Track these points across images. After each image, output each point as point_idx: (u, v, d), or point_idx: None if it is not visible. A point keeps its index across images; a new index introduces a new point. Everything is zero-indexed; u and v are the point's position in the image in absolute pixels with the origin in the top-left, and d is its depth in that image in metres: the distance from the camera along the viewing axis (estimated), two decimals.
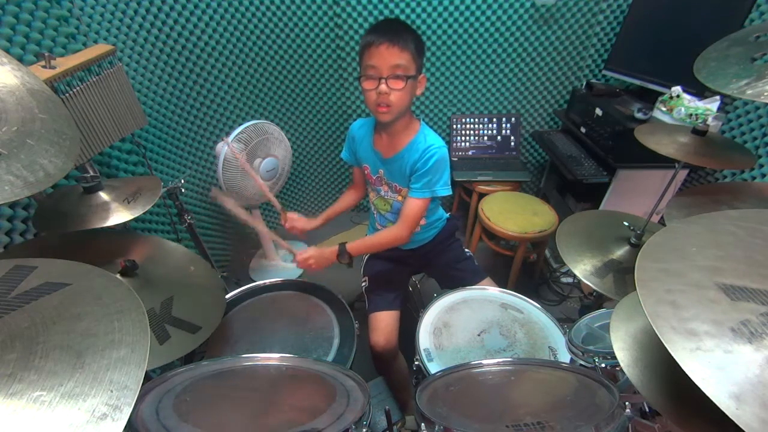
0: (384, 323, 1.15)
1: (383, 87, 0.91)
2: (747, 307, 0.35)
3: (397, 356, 1.19)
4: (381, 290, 1.22)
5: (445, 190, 1.04)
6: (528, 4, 1.83)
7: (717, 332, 0.33)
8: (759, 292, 0.36)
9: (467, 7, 1.84)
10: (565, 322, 0.96)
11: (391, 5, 1.83)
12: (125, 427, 0.31)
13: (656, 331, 0.35)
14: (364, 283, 1.27)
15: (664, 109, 1.51)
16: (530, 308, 1.04)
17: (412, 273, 1.40)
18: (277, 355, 0.58)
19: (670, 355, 0.33)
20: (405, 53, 0.90)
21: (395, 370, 1.19)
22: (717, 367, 0.31)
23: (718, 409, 0.29)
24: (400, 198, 1.13)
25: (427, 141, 1.02)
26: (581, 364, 0.79)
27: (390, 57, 0.89)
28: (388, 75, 0.90)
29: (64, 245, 0.86)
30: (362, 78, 0.94)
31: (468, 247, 1.34)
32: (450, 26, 1.89)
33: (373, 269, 1.28)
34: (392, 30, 0.90)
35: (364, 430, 0.70)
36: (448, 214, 1.31)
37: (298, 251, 1.09)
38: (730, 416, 0.29)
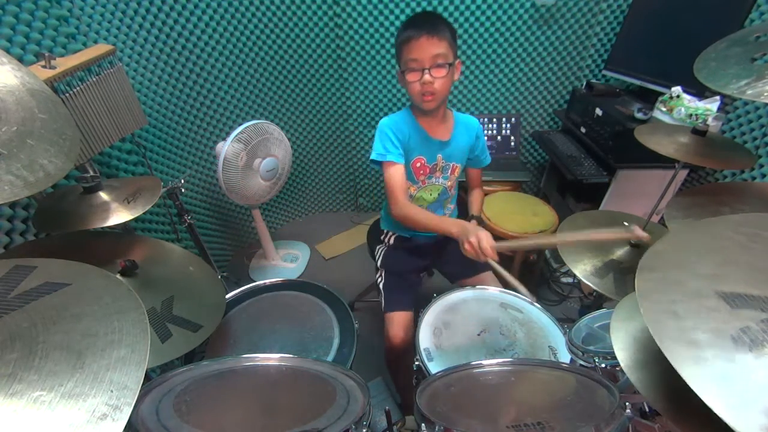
0: (401, 319, 1.15)
1: (427, 77, 0.95)
2: (747, 314, 0.35)
3: (410, 353, 1.19)
4: (397, 289, 1.23)
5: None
6: (528, 4, 1.83)
7: (718, 341, 0.33)
8: (759, 299, 0.36)
9: (467, 7, 1.84)
10: (565, 322, 0.96)
11: (391, 5, 1.84)
12: (125, 427, 0.31)
13: (658, 344, 0.35)
14: (379, 279, 1.27)
15: (664, 109, 1.51)
16: (530, 308, 1.04)
17: (424, 269, 1.40)
18: (277, 355, 0.58)
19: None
20: (443, 42, 0.94)
21: (406, 367, 1.19)
22: (719, 377, 0.31)
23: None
24: (449, 183, 1.20)
25: (468, 119, 1.19)
26: (581, 364, 0.79)
27: (430, 48, 0.93)
28: (431, 65, 0.95)
29: (64, 245, 0.86)
30: (405, 72, 0.98)
31: None
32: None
33: (390, 264, 1.28)
34: (428, 22, 0.95)
35: (364, 430, 0.70)
36: None
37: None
38: (733, 427, 0.29)
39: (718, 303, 0.36)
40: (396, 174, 1.06)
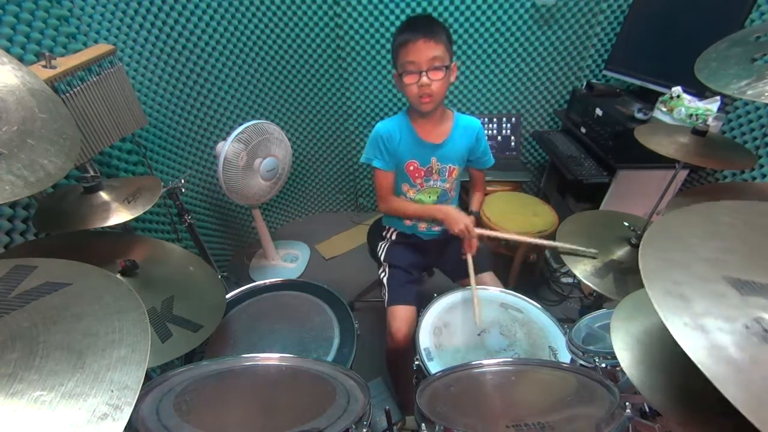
0: (404, 313, 1.15)
1: (425, 79, 0.97)
2: (758, 302, 0.33)
3: (411, 351, 1.19)
4: (401, 282, 1.23)
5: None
6: (528, 4, 1.83)
7: (732, 330, 0.32)
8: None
9: (467, 8, 1.84)
10: (565, 322, 0.96)
11: (391, 5, 1.84)
12: (125, 427, 0.31)
13: (669, 328, 0.33)
14: (383, 274, 1.27)
15: (664, 109, 1.51)
16: (530, 308, 1.04)
17: (426, 268, 1.41)
18: (277, 355, 0.58)
19: (671, 355, 0.32)
20: (440, 45, 0.96)
21: (406, 367, 1.19)
22: (735, 368, 0.30)
23: (718, 409, 0.29)
24: (447, 185, 1.20)
25: (471, 121, 1.18)
26: (581, 364, 0.79)
27: (427, 50, 0.95)
28: (428, 67, 0.96)
29: (64, 245, 0.86)
30: (403, 74, 1.00)
31: None
32: (450, 26, 1.89)
33: (393, 257, 1.28)
34: (425, 25, 0.97)
35: (364, 430, 0.70)
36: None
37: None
38: (753, 421, 0.27)
39: (727, 289, 0.35)
40: (381, 179, 1.18)
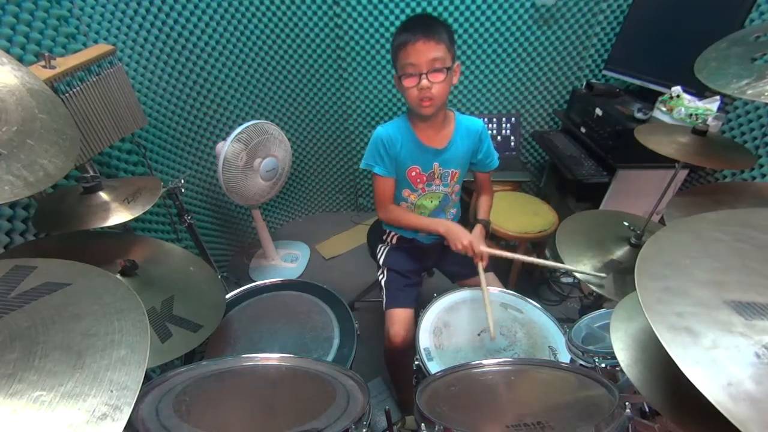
0: (402, 317, 1.15)
1: (425, 82, 0.93)
2: (763, 326, 0.32)
3: (410, 353, 1.19)
4: (400, 286, 1.22)
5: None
6: (528, 4, 1.83)
7: (744, 361, 0.30)
8: None
9: (467, 8, 1.84)
10: (565, 322, 0.96)
11: (391, 5, 1.84)
12: (125, 427, 0.31)
13: (683, 370, 0.31)
14: (381, 276, 1.27)
15: (664, 109, 1.51)
16: (530, 308, 1.04)
17: (424, 270, 1.41)
18: (277, 355, 0.58)
19: (670, 355, 0.32)
20: (441, 45, 0.91)
21: (405, 367, 1.19)
22: (755, 404, 0.28)
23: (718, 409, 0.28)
24: (449, 189, 1.17)
25: (473, 122, 1.14)
26: (581, 364, 0.79)
27: (427, 52, 0.91)
28: (428, 69, 0.92)
29: (64, 245, 0.86)
30: (402, 77, 0.96)
31: None
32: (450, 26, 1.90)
33: (393, 262, 1.27)
34: (425, 25, 0.92)
35: (364, 430, 0.70)
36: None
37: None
38: None
39: (730, 314, 0.33)
40: (381, 185, 1.13)
